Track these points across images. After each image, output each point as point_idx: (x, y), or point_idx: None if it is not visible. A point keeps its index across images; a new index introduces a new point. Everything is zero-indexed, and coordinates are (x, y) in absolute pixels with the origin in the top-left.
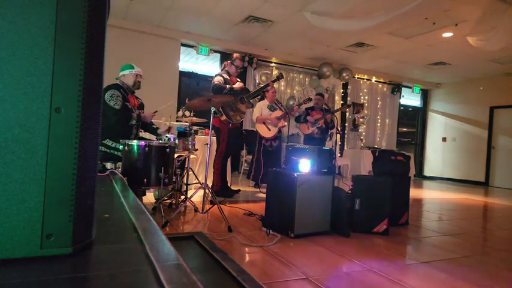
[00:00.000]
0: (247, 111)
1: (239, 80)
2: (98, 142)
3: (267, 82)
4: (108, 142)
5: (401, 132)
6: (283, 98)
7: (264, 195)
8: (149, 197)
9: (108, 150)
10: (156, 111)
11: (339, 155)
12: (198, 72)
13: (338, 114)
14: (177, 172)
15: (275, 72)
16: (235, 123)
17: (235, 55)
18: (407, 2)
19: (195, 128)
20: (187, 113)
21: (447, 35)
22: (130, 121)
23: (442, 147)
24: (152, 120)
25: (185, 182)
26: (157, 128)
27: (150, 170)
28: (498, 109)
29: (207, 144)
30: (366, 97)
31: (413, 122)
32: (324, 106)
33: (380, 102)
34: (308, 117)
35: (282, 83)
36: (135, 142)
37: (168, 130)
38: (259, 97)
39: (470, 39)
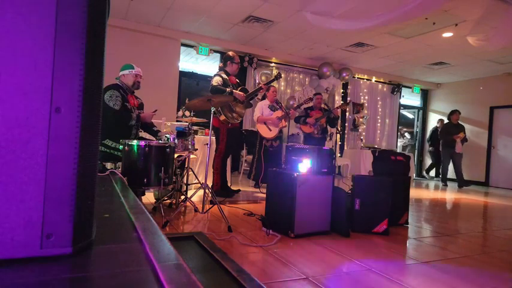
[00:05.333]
0: (247, 111)
1: (238, 81)
2: (98, 142)
3: (265, 82)
4: (108, 142)
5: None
6: (283, 98)
7: (264, 195)
8: (149, 197)
9: (108, 150)
10: (156, 110)
11: (339, 155)
12: (198, 72)
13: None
14: (177, 172)
15: (275, 72)
16: (234, 123)
17: (231, 53)
18: (407, 2)
19: (195, 128)
20: (187, 113)
21: (447, 35)
22: (129, 121)
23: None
24: (152, 121)
25: (185, 182)
26: (158, 131)
27: (150, 170)
28: (498, 109)
29: (207, 144)
30: (366, 97)
31: (412, 122)
32: (323, 106)
33: (380, 102)
34: (308, 120)
35: (282, 83)
36: (135, 142)
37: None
38: (259, 97)
39: (470, 39)
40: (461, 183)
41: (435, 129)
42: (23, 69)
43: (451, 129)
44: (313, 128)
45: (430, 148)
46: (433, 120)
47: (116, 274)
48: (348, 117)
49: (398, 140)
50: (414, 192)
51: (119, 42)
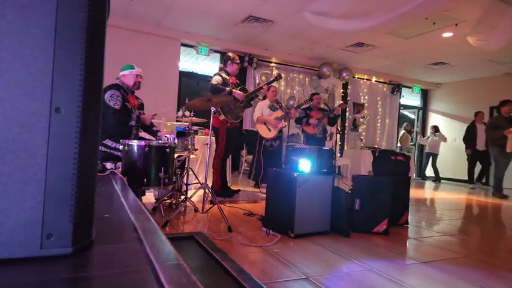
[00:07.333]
0: (247, 111)
1: (238, 81)
2: (98, 142)
3: (266, 82)
4: (108, 142)
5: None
6: (283, 98)
7: (264, 195)
8: (149, 197)
9: (108, 150)
10: (156, 114)
11: (339, 155)
12: (198, 72)
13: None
14: (177, 172)
15: (275, 72)
16: (234, 123)
17: (231, 54)
18: (407, 2)
19: (194, 128)
20: (187, 113)
21: (447, 35)
22: (130, 121)
23: (442, 148)
24: (152, 121)
25: (185, 182)
26: (158, 131)
27: (150, 170)
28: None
29: (207, 144)
30: (366, 97)
31: (412, 121)
32: (323, 105)
33: (380, 102)
34: (311, 120)
35: (282, 83)
36: (135, 142)
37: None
38: (260, 97)
39: (470, 39)
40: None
41: (472, 125)
42: (23, 69)
43: (501, 123)
44: (316, 128)
45: (468, 150)
46: (433, 120)
47: (116, 274)
48: (348, 117)
49: (424, 138)
50: (414, 192)
51: (119, 42)
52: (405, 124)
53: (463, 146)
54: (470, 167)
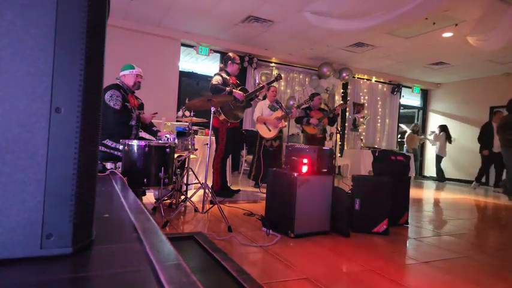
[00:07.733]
0: (247, 111)
1: (238, 81)
2: (98, 142)
3: (266, 82)
4: (108, 142)
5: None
6: (283, 98)
7: (264, 195)
8: (149, 197)
9: (108, 150)
10: (156, 113)
11: (339, 155)
12: (198, 72)
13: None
14: (177, 172)
15: (275, 72)
16: (234, 123)
17: (231, 54)
18: (407, 2)
19: (194, 128)
20: (187, 113)
21: (447, 35)
22: (130, 121)
23: None
24: (152, 121)
25: (185, 182)
26: (158, 131)
27: (150, 170)
28: (498, 109)
29: (207, 144)
30: (366, 97)
31: (412, 121)
32: (323, 106)
33: (380, 102)
34: (312, 120)
35: (282, 83)
36: (135, 142)
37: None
38: (260, 97)
39: (470, 39)
40: None
41: (489, 125)
42: (23, 69)
43: None
44: (317, 128)
45: (485, 151)
46: (433, 120)
47: (116, 274)
48: (348, 117)
49: (433, 139)
50: (414, 192)
51: (119, 42)
52: (413, 125)
53: (463, 146)
54: (484, 168)
